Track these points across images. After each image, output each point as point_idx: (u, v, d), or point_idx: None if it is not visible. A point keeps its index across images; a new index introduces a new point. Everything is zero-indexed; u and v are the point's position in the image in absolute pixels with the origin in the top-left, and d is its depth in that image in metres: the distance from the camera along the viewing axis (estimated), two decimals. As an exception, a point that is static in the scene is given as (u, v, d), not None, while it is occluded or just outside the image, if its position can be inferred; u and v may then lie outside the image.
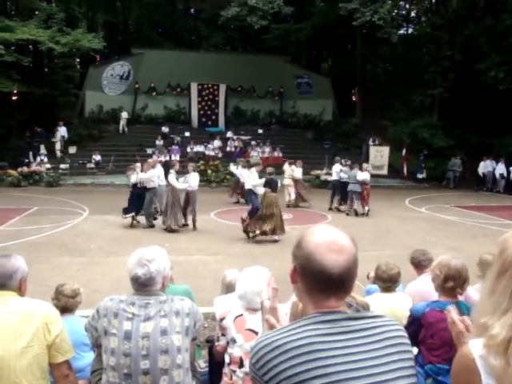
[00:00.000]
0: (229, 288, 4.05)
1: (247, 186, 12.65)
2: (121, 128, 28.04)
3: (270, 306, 1.75)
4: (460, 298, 3.27)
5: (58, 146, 24.82)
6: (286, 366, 1.41)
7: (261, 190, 11.91)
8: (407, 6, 34.23)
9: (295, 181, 17.22)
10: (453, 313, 1.81)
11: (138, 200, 13.02)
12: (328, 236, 1.52)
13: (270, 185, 11.77)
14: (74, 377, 2.70)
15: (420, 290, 4.06)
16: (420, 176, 24.61)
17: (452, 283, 3.16)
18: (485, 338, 1.43)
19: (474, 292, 3.58)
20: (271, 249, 10.58)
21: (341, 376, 1.40)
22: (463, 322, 1.75)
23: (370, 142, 26.55)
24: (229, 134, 28.04)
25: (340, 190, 16.29)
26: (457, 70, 27.11)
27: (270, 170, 12.51)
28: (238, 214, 15.09)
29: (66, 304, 3.68)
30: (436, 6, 31.93)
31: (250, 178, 12.51)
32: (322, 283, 1.49)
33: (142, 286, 2.61)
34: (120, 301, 2.61)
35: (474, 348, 1.46)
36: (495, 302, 1.45)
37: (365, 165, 16.97)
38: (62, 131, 25.40)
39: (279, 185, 12.45)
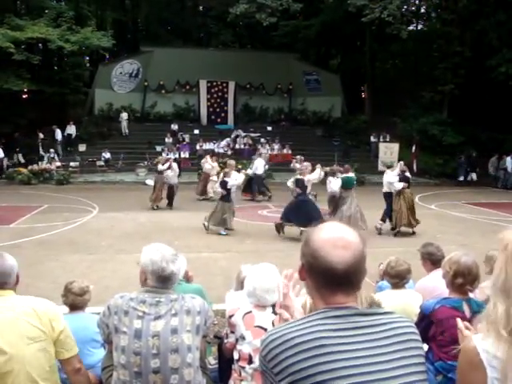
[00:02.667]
0: (244, 284, 4.04)
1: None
2: (123, 130, 27.77)
3: (283, 303, 1.76)
4: (471, 294, 3.25)
5: (41, 151, 24.02)
6: (295, 360, 1.42)
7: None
8: (417, 1, 33.98)
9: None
10: (460, 323, 1.83)
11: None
12: (334, 233, 1.54)
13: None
14: (85, 370, 2.74)
15: (431, 286, 4.04)
16: (461, 178, 23.97)
17: (461, 280, 3.14)
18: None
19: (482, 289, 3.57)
20: (281, 246, 10.58)
21: (349, 371, 1.41)
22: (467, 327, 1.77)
23: (372, 139, 26.51)
24: (235, 132, 27.97)
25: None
26: (467, 66, 26.91)
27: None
28: (247, 211, 15.15)
29: (73, 302, 3.72)
30: (446, 2, 31.65)
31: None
32: (329, 279, 1.50)
33: (173, 282, 2.66)
34: (130, 298, 2.61)
35: (479, 342, 1.46)
36: None
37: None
38: (58, 134, 24.90)
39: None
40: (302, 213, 11.12)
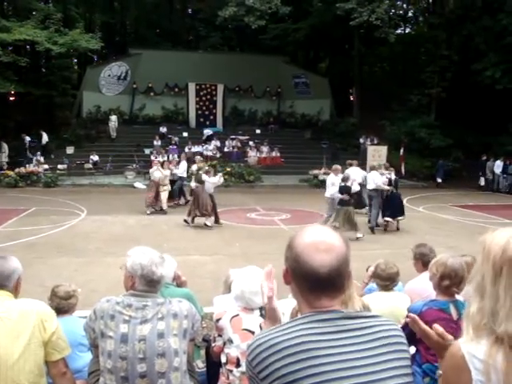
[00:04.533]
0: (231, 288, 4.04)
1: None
2: (111, 133, 27.40)
3: (269, 307, 1.77)
4: (458, 296, 3.27)
5: (3, 158, 23.32)
6: (281, 364, 1.42)
7: None
8: (404, 5, 34.29)
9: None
10: (420, 323, 1.83)
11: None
12: (316, 236, 1.54)
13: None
14: (71, 374, 2.70)
15: (420, 287, 4.06)
16: (439, 180, 24.11)
17: (448, 282, 3.17)
18: (494, 337, 1.42)
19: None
20: (269, 249, 10.57)
21: (335, 375, 1.41)
22: (440, 334, 1.77)
23: (361, 140, 26.62)
24: (206, 131, 27.83)
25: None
26: (454, 69, 27.18)
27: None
28: (235, 214, 15.14)
29: (58, 305, 3.68)
30: (433, 6, 31.99)
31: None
32: (312, 283, 1.51)
33: (160, 285, 2.68)
34: (116, 302, 2.60)
35: (463, 345, 1.46)
36: (504, 307, 1.42)
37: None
38: (26, 139, 24.00)
39: None
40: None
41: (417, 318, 1.86)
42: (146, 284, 2.62)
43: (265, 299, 1.79)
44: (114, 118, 27.53)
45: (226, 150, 26.73)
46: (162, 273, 2.67)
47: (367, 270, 5.17)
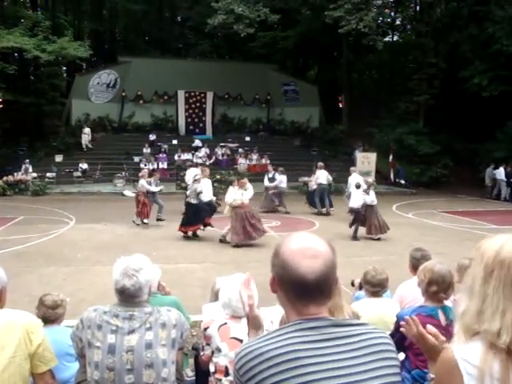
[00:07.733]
0: (218, 296, 4.03)
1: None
2: (84, 145, 26.74)
3: (251, 315, 1.76)
4: (446, 302, 3.28)
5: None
6: (269, 373, 1.41)
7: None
8: (392, 13, 34.58)
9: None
10: (419, 325, 1.83)
11: None
12: (303, 243, 1.53)
13: None
14: None
15: (412, 289, 4.06)
16: (402, 182, 24.83)
17: (435, 288, 3.18)
18: (489, 343, 1.43)
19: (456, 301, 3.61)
20: (258, 256, 10.56)
21: (324, 383, 1.40)
22: (434, 334, 1.77)
23: (356, 152, 26.67)
24: (197, 143, 27.82)
25: None
26: (441, 77, 27.46)
27: None
28: (225, 221, 15.08)
29: (44, 314, 3.63)
30: (420, 14, 32.32)
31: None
32: (300, 290, 1.50)
33: (130, 297, 2.56)
34: (104, 312, 2.56)
35: (456, 350, 1.47)
36: (490, 306, 1.44)
37: None
38: None
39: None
40: None
41: (415, 318, 1.86)
42: (116, 293, 2.59)
43: (246, 308, 1.79)
44: (87, 130, 27.08)
45: (214, 157, 26.66)
46: (127, 285, 2.53)
47: (352, 284, 5.18)
